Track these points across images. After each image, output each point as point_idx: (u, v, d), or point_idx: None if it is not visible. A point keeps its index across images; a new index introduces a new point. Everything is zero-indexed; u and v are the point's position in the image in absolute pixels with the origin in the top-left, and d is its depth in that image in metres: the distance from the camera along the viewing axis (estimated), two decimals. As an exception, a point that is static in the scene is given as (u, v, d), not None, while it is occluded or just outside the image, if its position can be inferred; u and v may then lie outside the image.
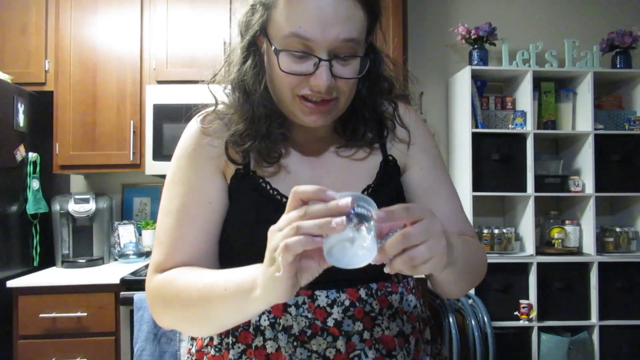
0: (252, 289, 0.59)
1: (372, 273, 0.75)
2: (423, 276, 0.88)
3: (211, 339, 0.81)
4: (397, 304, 0.79)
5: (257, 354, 0.74)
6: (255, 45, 0.76)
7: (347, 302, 0.75)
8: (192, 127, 0.81)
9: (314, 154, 0.82)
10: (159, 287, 0.73)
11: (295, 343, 0.73)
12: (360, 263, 0.52)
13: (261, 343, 0.74)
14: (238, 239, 0.76)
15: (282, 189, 0.77)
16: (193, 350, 0.84)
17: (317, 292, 0.74)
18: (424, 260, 0.53)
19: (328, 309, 0.74)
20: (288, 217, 0.54)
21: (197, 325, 0.72)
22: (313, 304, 0.74)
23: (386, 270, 0.55)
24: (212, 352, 0.79)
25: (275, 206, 0.75)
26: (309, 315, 0.74)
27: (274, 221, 0.60)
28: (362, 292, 0.76)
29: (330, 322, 0.74)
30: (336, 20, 0.66)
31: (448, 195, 0.85)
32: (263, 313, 0.75)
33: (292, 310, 0.74)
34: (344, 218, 0.51)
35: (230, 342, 0.76)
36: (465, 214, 0.87)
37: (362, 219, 0.52)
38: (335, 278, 0.72)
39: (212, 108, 0.81)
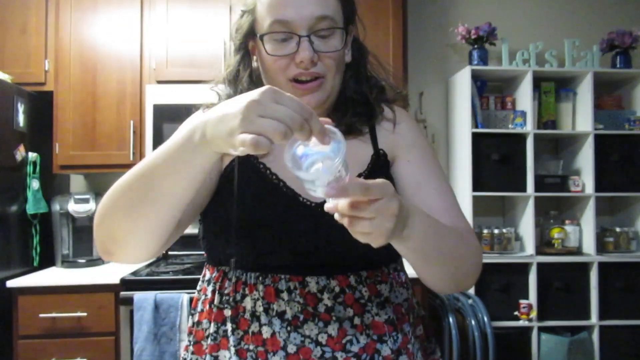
0: (201, 132, 0.59)
1: (362, 262, 0.80)
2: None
3: (209, 323, 0.82)
4: (387, 293, 0.81)
5: (254, 340, 0.76)
6: (246, 48, 0.85)
7: (337, 289, 0.77)
8: (193, 115, 0.87)
9: None
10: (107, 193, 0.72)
11: (289, 328, 0.75)
12: (312, 193, 0.56)
13: (257, 329, 0.76)
14: (241, 213, 0.78)
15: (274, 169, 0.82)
16: (191, 339, 0.86)
17: (307, 279, 0.77)
18: (362, 232, 0.56)
19: (319, 294, 0.77)
20: (277, 108, 0.53)
21: (133, 210, 0.68)
22: (304, 290, 0.77)
23: (326, 207, 0.57)
24: (210, 341, 0.81)
25: (272, 187, 0.80)
26: (301, 301, 0.76)
27: (270, 201, 0.75)
28: (352, 279, 0.78)
29: (321, 308, 0.76)
30: (309, 1, 0.76)
31: (438, 189, 0.83)
32: (257, 299, 0.77)
33: (285, 295, 0.76)
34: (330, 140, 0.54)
35: (230, 328, 0.79)
36: (460, 209, 0.85)
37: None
38: (326, 262, 0.77)
39: (211, 102, 0.87)
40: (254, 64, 0.85)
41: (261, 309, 0.77)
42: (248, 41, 0.84)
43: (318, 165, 0.54)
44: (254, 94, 0.54)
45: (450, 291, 0.83)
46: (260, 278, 0.78)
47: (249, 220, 0.78)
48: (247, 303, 0.78)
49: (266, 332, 0.76)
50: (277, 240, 0.77)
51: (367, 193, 0.54)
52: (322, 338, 0.75)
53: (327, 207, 0.57)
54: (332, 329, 0.75)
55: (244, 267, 0.79)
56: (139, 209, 0.67)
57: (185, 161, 0.62)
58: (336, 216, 0.57)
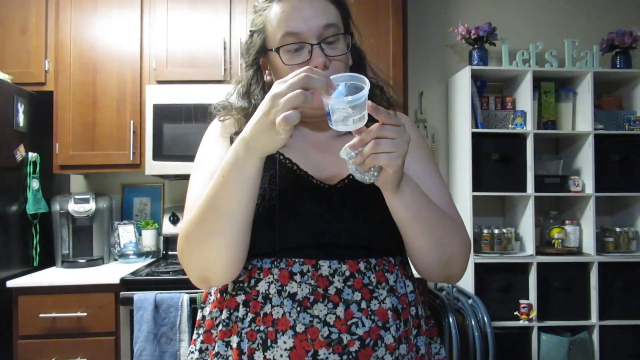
0: (244, 147, 0.73)
1: (371, 244, 0.85)
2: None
3: (220, 312, 0.87)
4: (393, 282, 0.85)
5: (265, 321, 0.80)
6: (257, 64, 0.94)
7: (347, 273, 0.82)
8: (214, 122, 0.98)
9: (317, 140, 0.95)
10: (183, 228, 0.83)
11: (299, 309, 0.79)
12: (349, 128, 0.70)
13: (269, 310, 0.80)
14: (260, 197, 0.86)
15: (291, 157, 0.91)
16: (200, 331, 0.90)
17: (320, 262, 0.81)
18: (385, 150, 0.69)
19: (330, 277, 0.81)
20: (291, 81, 0.68)
21: (215, 232, 0.78)
22: (316, 272, 0.81)
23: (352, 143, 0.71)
24: (222, 327, 0.85)
25: (287, 171, 0.87)
26: (312, 283, 0.80)
27: (285, 184, 0.83)
28: (362, 265, 0.83)
29: (331, 290, 0.80)
30: (314, 13, 0.84)
31: (437, 184, 0.93)
32: (271, 282, 0.81)
33: (297, 277, 0.81)
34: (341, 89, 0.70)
35: (241, 315, 0.82)
36: (454, 204, 0.93)
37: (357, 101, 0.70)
38: (338, 241, 0.83)
39: (224, 103, 0.98)
40: (266, 78, 0.94)
41: (274, 290, 0.80)
42: (260, 58, 0.93)
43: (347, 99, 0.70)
44: (268, 94, 0.69)
45: (436, 276, 0.88)
46: (275, 262, 0.82)
47: (268, 204, 0.84)
48: (261, 286, 0.82)
49: (277, 313, 0.79)
50: (292, 219, 0.82)
51: (388, 117, 0.69)
52: (330, 319, 0.78)
53: (353, 142, 0.70)
54: (340, 311, 0.79)
55: (260, 255, 0.83)
56: (219, 232, 0.77)
57: (238, 175, 0.75)
58: (349, 162, 0.71)
